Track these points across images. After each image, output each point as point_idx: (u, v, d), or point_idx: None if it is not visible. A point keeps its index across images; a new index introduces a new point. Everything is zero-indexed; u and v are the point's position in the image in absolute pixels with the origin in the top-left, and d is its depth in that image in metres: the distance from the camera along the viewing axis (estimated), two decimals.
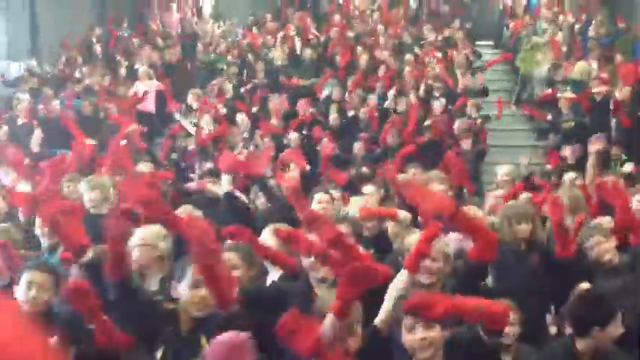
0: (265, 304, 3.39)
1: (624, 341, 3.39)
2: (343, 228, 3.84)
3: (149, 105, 11.95)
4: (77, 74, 13.01)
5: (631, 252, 4.33)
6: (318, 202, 5.15)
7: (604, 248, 4.27)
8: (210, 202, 5.91)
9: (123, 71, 13.16)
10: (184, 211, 4.49)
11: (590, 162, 6.56)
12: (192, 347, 2.95)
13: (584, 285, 3.95)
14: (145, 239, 3.70)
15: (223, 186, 5.52)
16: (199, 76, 13.66)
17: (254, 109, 11.41)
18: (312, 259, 3.27)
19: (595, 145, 6.55)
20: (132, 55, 13.59)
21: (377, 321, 3.05)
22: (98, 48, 14.07)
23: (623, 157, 9.12)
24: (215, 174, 6.71)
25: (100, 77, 12.58)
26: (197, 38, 14.79)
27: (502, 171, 6.97)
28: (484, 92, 11.73)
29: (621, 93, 10.33)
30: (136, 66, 13.13)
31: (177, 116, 11.25)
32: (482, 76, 12.02)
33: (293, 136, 9.64)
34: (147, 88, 12.04)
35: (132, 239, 3.62)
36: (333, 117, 10.52)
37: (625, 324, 3.30)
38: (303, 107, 10.77)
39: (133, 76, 12.83)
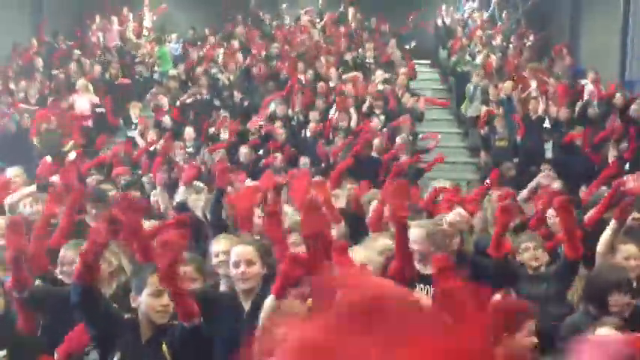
0: (220, 310, 3.49)
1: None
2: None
3: (88, 119, 11.88)
4: (11, 86, 12.74)
5: (560, 263, 4.51)
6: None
7: (533, 254, 4.51)
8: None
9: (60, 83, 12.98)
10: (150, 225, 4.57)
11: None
12: (152, 354, 3.01)
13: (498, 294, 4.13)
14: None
15: (179, 196, 5.59)
16: (137, 91, 13.61)
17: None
18: None
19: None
20: (69, 68, 13.39)
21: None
22: (40, 61, 13.80)
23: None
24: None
25: (36, 90, 12.37)
26: (134, 53, 14.74)
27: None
28: (420, 117, 12.02)
29: (561, 113, 10.84)
30: (74, 80, 12.97)
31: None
32: (422, 100, 12.35)
33: (243, 150, 9.69)
34: (85, 101, 11.97)
35: None
36: (279, 133, 10.57)
37: (541, 333, 3.37)
38: (254, 123, 10.86)
39: (70, 88, 12.67)
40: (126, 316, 3.19)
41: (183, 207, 5.60)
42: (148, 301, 3.07)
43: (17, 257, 3.53)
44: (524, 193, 6.88)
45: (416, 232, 4.10)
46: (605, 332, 3.28)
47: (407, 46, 15.31)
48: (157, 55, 14.83)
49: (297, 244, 4.10)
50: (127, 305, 3.26)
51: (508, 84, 12.03)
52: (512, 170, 9.46)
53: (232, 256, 3.52)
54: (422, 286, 4.11)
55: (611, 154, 9.22)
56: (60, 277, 3.96)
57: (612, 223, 4.47)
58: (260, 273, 3.52)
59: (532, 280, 4.47)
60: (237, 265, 3.49)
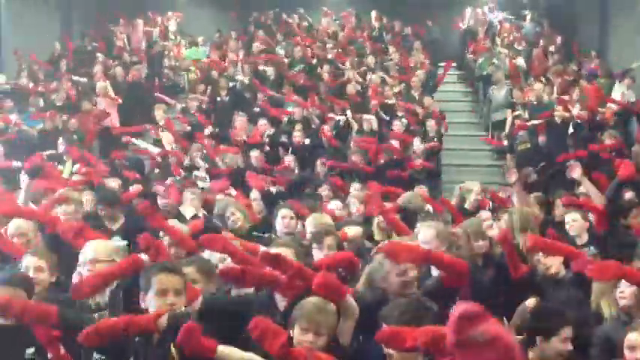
0: (228, 314, 3.46)
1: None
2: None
3: (114, 120, 11.97)
4: (40, 88, 12.91)
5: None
6: (282, 217, 5.25)
7: (549, 261, 4.42)
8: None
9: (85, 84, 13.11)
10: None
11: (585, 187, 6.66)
12: (163, 356, 2.94)
13: (532, 299, 4.07)
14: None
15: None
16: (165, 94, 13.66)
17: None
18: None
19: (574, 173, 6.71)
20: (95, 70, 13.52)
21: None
22: (64, 63, 13.97)
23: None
24: None
25: (64, 92, 12.51)
26: (162, 56, 14.83)
27: (475, 189, 7.06)
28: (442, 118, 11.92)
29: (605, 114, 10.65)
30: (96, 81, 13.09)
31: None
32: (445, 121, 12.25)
33: (254, 153, 9.64)
34: (109, 103, 12.07)
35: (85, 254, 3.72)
36: (297, 136, 10.55)
37: (577, 337, 3.39)
38: (264, 128, 10.85)
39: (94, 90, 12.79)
40: None
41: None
42: (154, 300, 3.04)
43: None
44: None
45: (426, 232, 4.06)
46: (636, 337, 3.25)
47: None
48: (185, 57, 14.94)
49: (332, 248, 4.18)
50: (128, 306, 3.24)
51: (538, 86, 11.86)
52: (533, 175, 9.29)
53: None
54: None
55: None
56: None
57: None
58: (206, 289, 3.58)
59: (554, 286, 4.39)
60: None
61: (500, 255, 4.86)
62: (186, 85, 14.27)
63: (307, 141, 10.46)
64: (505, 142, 11.35)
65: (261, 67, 13.46)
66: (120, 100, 12.23)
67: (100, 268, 3.49)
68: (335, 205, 5.98)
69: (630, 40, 13.88)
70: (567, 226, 5.49)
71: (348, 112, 11.17)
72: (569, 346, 3.31)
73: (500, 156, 12.20)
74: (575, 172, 6.46)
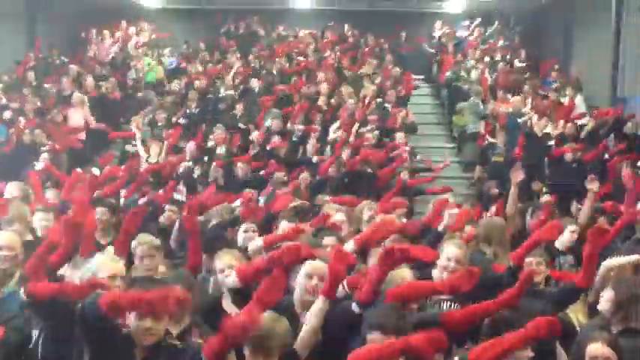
0: None
1: None
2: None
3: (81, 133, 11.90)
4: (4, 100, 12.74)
5: (565, 287, 4.51)
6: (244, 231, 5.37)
7: (540, 269, 4.55)
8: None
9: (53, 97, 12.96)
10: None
11: (511, 192, 6.85)
12: None
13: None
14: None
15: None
16: (129, 106, 13.63)
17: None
18: None
19: (517, 177, 6.87)
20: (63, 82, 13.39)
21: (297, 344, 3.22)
22: (31, 74, 13.80)
23: (544, 189, 9.59)
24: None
25: (31, 104, 12.35)
26: (128, 68, 14.76)
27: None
28: (414, 128, 12.10)
29: (567, 129, 10.95)
30: (65, 93, 12.97)
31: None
32: (410, 111, 12.43)
33: (240, 165, 9.64)
34: (79, 115, 11.99)
35: None
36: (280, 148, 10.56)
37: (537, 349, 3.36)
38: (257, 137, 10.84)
39: (62, 102, 12.66)
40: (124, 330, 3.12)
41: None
42: (133, 321, 3.02)
43: None
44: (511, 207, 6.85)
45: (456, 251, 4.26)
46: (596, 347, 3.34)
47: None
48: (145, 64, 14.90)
49: None
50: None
51: (517, 99, 12.11)
52: (495, 189, 9.46)
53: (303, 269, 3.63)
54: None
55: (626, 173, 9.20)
56: None
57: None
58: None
59: (531, 295, 4.34)
60: (310, 277, 3.60)
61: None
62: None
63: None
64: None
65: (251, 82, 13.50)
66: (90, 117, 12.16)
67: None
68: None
69: (591, 53, 14.31)
70: None
71: (334, 125, 11.30)
72: (530, 353, 3.28)
73: (469, 168, 12.40)
74: (593, 184, 6.76)
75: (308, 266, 3.62)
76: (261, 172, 9.42)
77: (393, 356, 2.69)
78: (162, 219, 6.46)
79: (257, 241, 4.84)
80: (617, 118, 11.14)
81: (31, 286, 3.26)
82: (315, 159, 10.25)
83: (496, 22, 16.35)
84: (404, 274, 3.81)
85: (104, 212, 5.55)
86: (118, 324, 3.04)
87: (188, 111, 12.66)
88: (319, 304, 3.27)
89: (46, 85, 13.48)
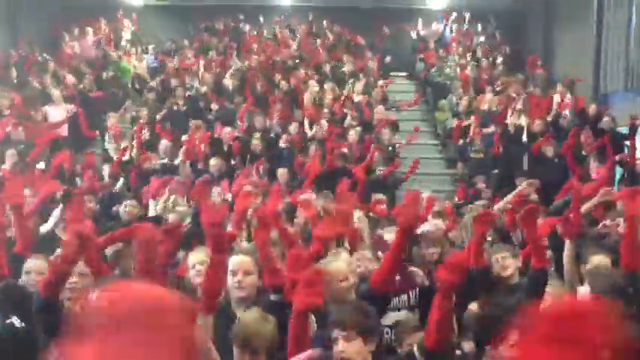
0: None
1: None
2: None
3: (62, 129, 11.78)
4: None
5: (530, 274, 4.44)
6: None
7: (507, 264, 4.54)
8: None
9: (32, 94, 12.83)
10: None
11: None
12: None
13: (473, 305, 4.15)
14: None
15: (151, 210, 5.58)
16: (110, 102, 13.52)
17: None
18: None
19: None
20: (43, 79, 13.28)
21: None
22: (14, 72, 13.67)
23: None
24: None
25: (6, 100, 12.21)
26: (107, 64, 14.68)
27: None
28: (395, 126, 12.09)
29: (535, 125, 10.95)
30: (47, 91, 12.87)
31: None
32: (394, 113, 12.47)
33: (213, 162, 9.57)
34: (59, 112, 11.90)
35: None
36: (256, 144, 10.55)
37: None
38: (228, 135, 10.78)
39: (43, 99, 12.57)
40: None
41: (158, 220, 5.54)
42: None
43: None
44: (500, 204, 6.86)
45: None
46: None
47: (384, 60, 15.34)
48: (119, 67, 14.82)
49: None
50: None
51: (491, 97, 12.16)
52: (482, 184, 9.50)
53: (230, 265, 3.59)
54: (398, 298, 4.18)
55: (593, 166, 9.27)
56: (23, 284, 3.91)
57: (567, 243, 4.61)
58: (256, 283, 3.61)
59: (505, 290, 4.46)
60: (234, 274, 3.58)
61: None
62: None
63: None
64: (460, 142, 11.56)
65: (225, 78, 13.43)
66: (72, 109, 12.03)
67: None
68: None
69: (573, 50, 14.37)
70: None
71: (307, 121, 11.27)
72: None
73: (451, 164, 12.44)
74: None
75: (230, 263, 3.59)
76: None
77: None
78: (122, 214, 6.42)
79: None
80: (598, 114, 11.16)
81: None
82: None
83: (467, 15, 16.41)
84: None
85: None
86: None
87: (175, 108, 12.58)
88: None
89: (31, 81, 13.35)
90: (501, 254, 4.60)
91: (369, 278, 3.63)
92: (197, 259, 4.06)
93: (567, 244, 4.73)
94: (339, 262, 3.78)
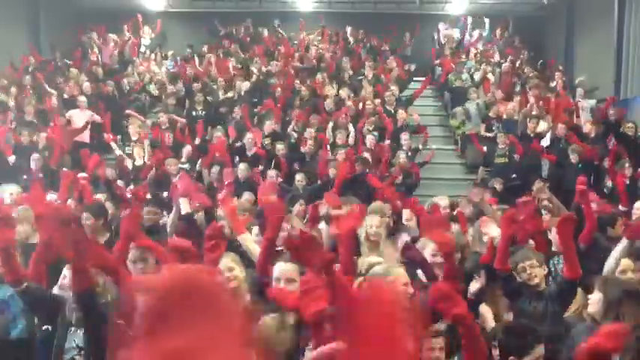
0: None
1: None
2: None
3: (84, 135, 11.92)
4: (10, 102, 12.78)
5: (559, 282, 4.47)
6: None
7: (535, 273, 4.41)
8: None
9: (54, 100, 12.98)
10: None
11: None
12: None
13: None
14: None
15: (182, 208, 5.59)
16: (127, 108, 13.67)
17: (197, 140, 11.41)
18: None
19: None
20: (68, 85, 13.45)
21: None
22: (27, 78, 13.82)
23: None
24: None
25: (31, 106, 12.38)
26: (127, 70, 14.81)
27: (443, 204, 7.17)
28: (416, 129, 12.06)
29: (559, 129, 10.91)
30: (65, 95, 13.04)
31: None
32: (417, 113, 12.45)
33: (242, 166, 9.57)
34: (83, 117, 12.04)
35: None
36: (280, 149, 10.53)
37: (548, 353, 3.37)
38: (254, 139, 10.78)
39: (65, 105, 12.72)
40: None
41: (189, 220, 5.58)
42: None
43: (5, 249, 3.55)
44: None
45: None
46: None
47: (406, 67, 15.34)
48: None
49: None
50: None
51: (512, 106, 12.14)
52: (499, 184, 9.50)
53: (275, 272, 3.62)
54: None
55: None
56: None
57: (623, 242, 4.55)
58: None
59: (532, 297, 4.38)
60: (277, 281, 3.60)
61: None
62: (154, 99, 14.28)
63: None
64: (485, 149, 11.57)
65: (238, 82, 13.51)
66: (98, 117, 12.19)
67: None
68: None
69: (593, 55, 14.29)
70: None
71: (330, 126, 11.30)
72: None
73: (471, 170, 12.40)
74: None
75: (274, 270, 3.62)
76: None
77: None
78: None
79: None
80: (618, 119, 11.10)
81: None
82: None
83: (487, 21, 16.35)
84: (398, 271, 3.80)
85: (88, 217, 5.56)
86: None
87: (194, 113, 12.67)
88: None
89: (49, 89, 13.52)
90: (528, 262, 4.43)
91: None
92: (224, 266, 3.97)
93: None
94: (399, 269, 3.78)
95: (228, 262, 4.03)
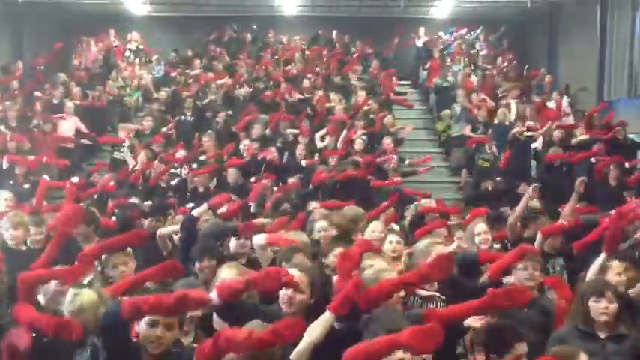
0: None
1: None
2: None
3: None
4: None
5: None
6: None
7: (529, 274, 4.40)
8: None
9: (39, 105, 12.88)
10: None
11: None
12: None
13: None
14: None
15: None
16: (113, 113, 13.65)
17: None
18: None
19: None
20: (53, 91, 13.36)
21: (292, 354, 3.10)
22: (15, 83, 13.71)
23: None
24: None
25: (14, 111, 12.26)
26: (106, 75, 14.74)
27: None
28: (400, 142, 12.06)
29: (555, 134, 11.03)
30: (54, 100, 12.95)
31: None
32: (410, 126, 12.52)
33: (231, 172, 9.52)
34: (69, 123, 11.97)
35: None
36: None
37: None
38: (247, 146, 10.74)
39: (52, 110, 12.63)
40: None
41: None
42: (144, 330, 3.06)
43: None
44: (511, 218, 6.76)
45: None
46: None
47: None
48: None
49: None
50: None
51: (500, 111, 12.24)
52: (489, 186, 9.57)
53: None
54: None
55: (612, 177, 9.29)
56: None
57: (602, 257, 4.57)
58: (306, 302, 3.53)
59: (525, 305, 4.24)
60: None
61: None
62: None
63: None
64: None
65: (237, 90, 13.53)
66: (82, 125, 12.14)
67: None
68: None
69: (576, 58, 14.44)
70: None
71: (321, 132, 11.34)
72: None
73: (457, 173, 12.48)
74: (580, 186, 6.89)
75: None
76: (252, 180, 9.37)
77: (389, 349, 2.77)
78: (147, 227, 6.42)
79: (261, 238, 4.82)
80: (608, 128, 11.19)
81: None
82: (303, 163, 10.28)
83: (480, 28, 16.47)
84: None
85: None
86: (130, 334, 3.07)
87: (183, 118, 12.62)
88: (324, 318, 3.16)
89: (37, 93, 13.42)
90: (530, 262, 4.42)
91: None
92: (227, 275, 3.97)
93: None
94: (391, 273, 3.78)
95: (231, 272, 4.02)
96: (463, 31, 16.41)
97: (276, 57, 15.83)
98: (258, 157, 10.19)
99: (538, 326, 4.15)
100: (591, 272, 4.58)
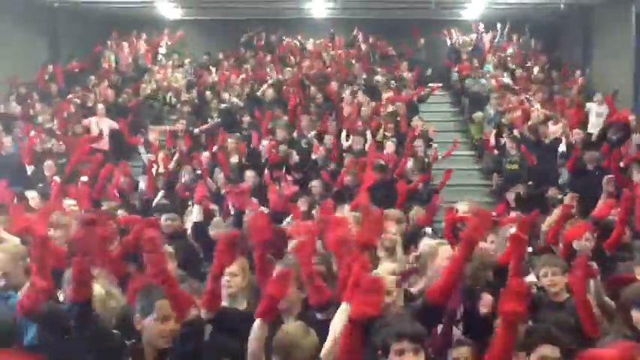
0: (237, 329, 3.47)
1: None
2: None
3: (104, 143, 11.97)
4: (31, 112, 12.88)
5: None
6: None
7: (556, 280, 4.37)
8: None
9: (72, 107, 13.06)
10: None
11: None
12: None
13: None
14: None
15: (194, 216, 5.59)
16: (147, 115, 13.75)
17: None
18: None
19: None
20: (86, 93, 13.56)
21: (322, 353, 3.12)
22: (53, 86, 13.93)
23: (559, 197, 9.44)
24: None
25: (49, 115, 12.45)
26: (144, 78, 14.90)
27: (462, 209, 7.12)
28: (428, 142, 11.97)
29: (575, 135, 10.83)
30: (89, 104, 13.14)
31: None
32: (433, 127, 12.42)
33: (249, 174, 9.51)
34: (102, 125, 12.09)
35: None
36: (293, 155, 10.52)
37: None
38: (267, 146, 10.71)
39: (85, 113, 12.81)
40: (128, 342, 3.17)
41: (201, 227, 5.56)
42: (155, 325, 3.07)
43: None
44: (548, 219, 6.64)
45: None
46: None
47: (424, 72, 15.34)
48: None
49: None
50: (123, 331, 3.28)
51: (517, 114, 12.08)
52: (521, 190, 9.42)
53: None
54: None
55: (636, 176, 9.07)
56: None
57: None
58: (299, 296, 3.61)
59: (552, 306, 4.34)
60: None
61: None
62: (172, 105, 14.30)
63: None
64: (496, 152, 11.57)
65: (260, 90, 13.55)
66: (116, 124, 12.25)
67: None
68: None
69: (611, 59, 14.19)
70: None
71: (344, 133, 11.27)
72: None
73: (487, 176, 12.34)
74: (609, 185, 6.95)
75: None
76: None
77: None
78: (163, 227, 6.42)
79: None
80: (628, 123, 10.96)
81: None
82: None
83: (506, 26, 16.28)
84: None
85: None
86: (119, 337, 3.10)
87: (210, 120, 12.70)
88: (343, 311, 3.15)
89: (69, 96, 13.63)
90: (552, 268, 4.39)
91: (426, 292, 3.53)
92: (229, 270, 3.98)
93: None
94: (391, 277, 3.75)
95: (234, 268, 4.05)
96: (481, 27, 16.25)
97: (300, 59, 15.82)
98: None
99: (569, 327, 3.99)
100: None
